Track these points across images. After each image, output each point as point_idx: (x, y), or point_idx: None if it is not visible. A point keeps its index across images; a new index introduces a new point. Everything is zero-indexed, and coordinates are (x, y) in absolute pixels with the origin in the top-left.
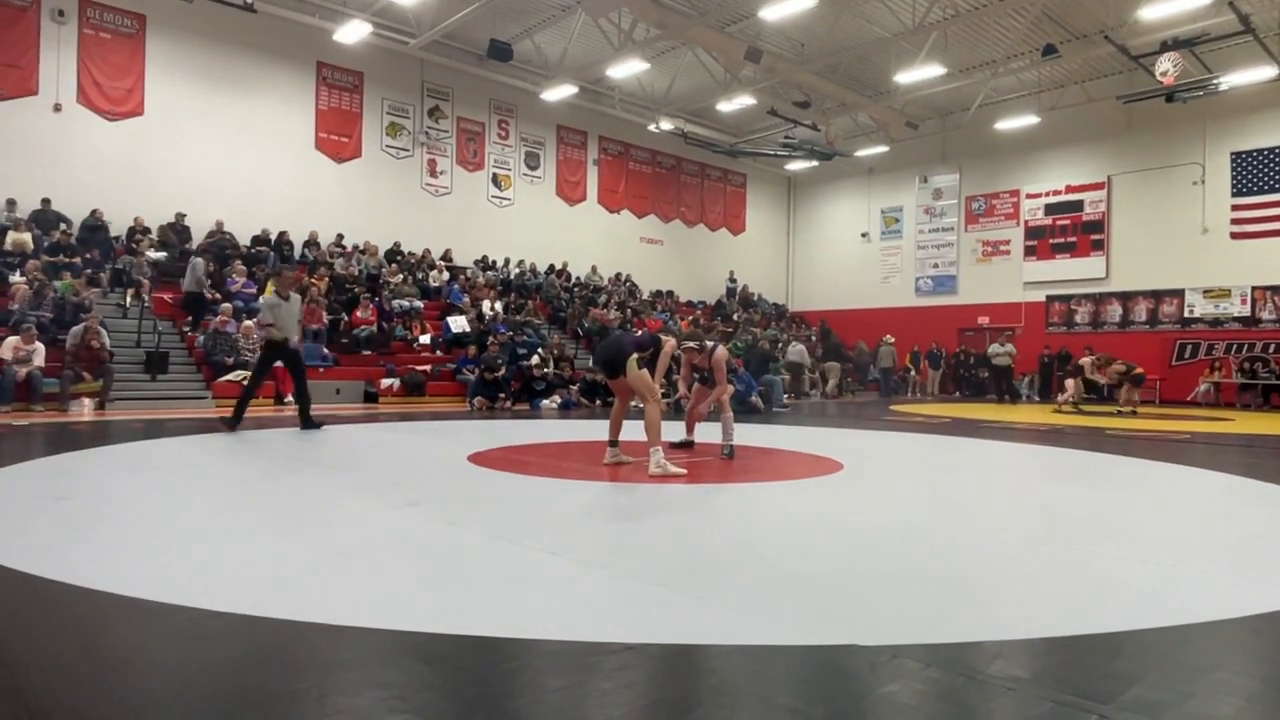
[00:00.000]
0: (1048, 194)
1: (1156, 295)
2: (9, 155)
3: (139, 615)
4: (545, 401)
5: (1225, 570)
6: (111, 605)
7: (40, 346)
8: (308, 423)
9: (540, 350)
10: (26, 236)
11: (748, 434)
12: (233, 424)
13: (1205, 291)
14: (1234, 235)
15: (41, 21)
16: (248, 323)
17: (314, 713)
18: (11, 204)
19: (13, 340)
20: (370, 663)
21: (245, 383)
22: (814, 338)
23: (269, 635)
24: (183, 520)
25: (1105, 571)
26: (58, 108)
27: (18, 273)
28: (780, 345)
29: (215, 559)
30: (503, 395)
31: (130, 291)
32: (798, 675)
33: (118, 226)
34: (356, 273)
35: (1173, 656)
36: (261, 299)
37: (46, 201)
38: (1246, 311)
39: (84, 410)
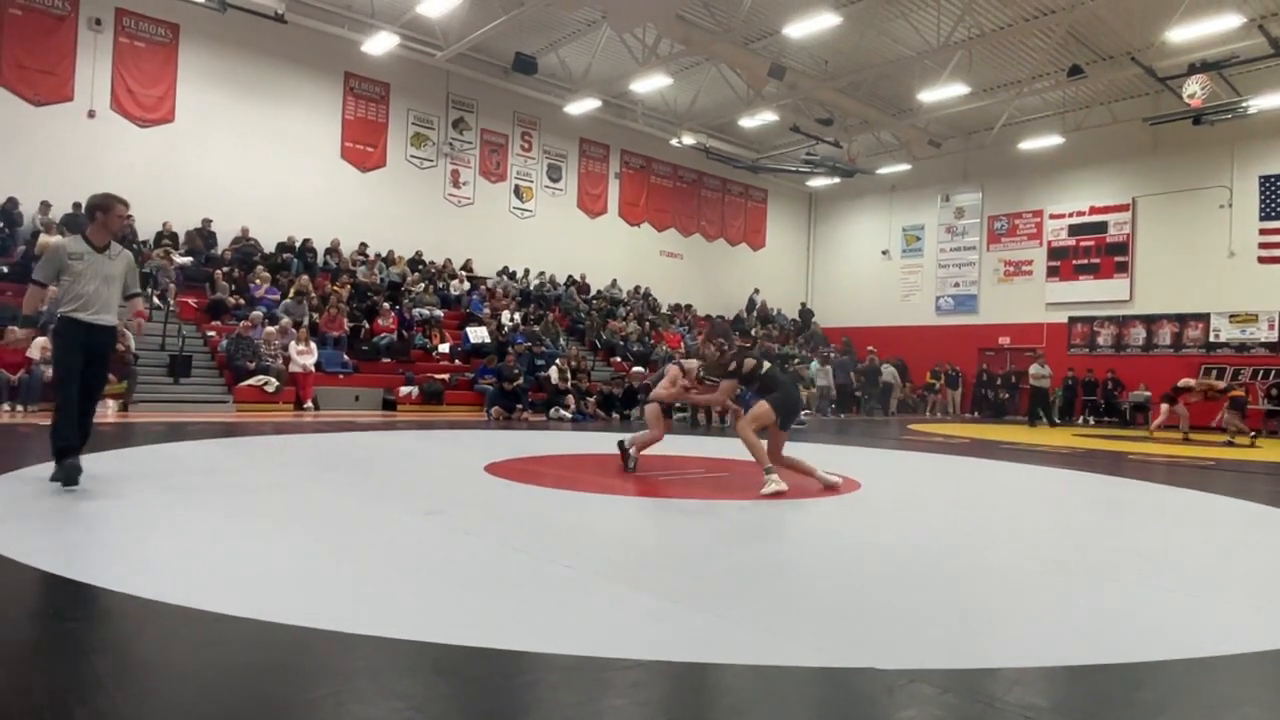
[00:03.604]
0: (1071, 215)
1: (1181, 319)
2: (43, 159)
3: (159, 618)
4: (554, 411)
5: (1252, 601)
6: (132, 607)
7: None
8: (68, 466)
9: (559, 361)
10: (57, 239)
11: None
12: (67, 476)
13: (1231, 316)
14: (1261, 260)
15: (79, 30)
16: (269, 329)
17: None
18: (45, 206)
19: (41, 341)
20: (386, 672)
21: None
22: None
23: (287, 641)
24: (202, 524)
25: (1128, 599)
26: (91, 114)
27: None
28: (796, 364)
29: (234, 563)
30: (520, 406)
31: (156, 294)
32: (813, 697)
33: (146, 231)
34: (379, 281)
35: (1196, 689)
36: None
37: (77, 206)
38: (1274, 337)
39: (108, 411)
